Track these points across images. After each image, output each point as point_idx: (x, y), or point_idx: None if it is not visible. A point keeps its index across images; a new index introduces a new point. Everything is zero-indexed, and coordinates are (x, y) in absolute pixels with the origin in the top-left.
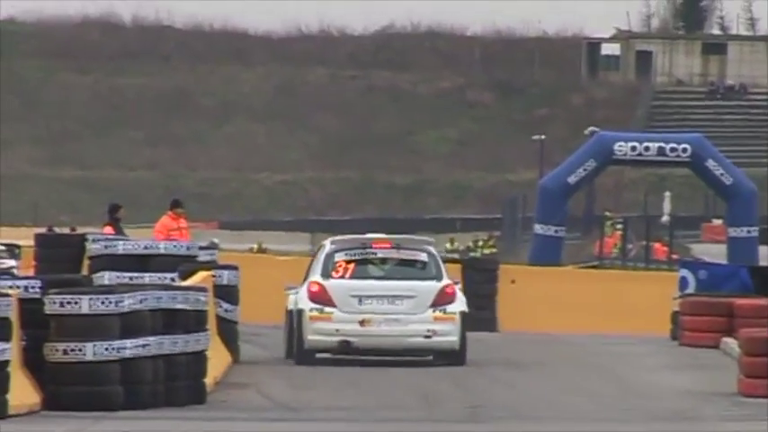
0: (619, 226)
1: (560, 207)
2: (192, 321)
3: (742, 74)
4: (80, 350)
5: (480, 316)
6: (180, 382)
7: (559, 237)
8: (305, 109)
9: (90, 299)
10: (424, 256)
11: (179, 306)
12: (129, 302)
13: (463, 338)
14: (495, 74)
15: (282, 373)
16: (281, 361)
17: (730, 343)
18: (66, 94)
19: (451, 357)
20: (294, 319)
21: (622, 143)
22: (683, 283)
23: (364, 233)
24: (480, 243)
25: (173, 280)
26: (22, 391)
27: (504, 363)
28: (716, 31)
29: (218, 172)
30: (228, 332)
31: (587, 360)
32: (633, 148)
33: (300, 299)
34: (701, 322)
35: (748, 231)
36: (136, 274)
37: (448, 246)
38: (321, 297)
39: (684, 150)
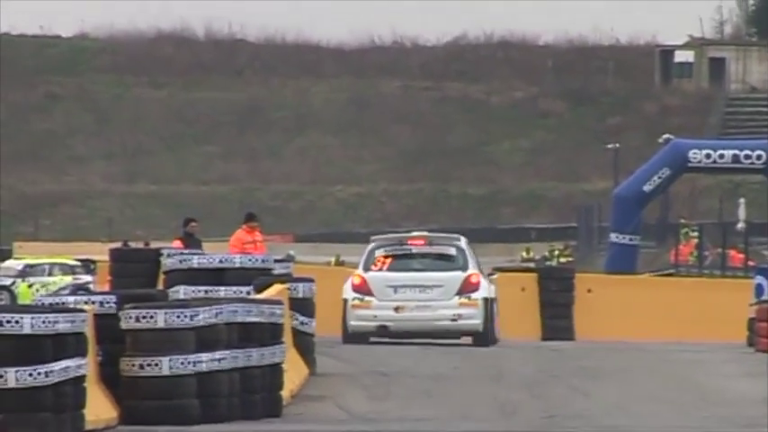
0: (694, 233)
1: (635, 215)
2: (267, 334)
3: None
4: (156, 364)
5: (557, 325)
6: (256, 396)
7: (635, 245)
8: (378, 121)
9: (165, 313)
10: (452, 250)
11: (254, 319)
12: (204, 316)
13: (486, 321)
14: (568, 83)
15: (359, 385)
16: (358, 372)
17: None
18: (140, 110)
19: (477, 338)
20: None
21: (697, 151)
22: (759, 289)
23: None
24: (556, 252)
25: (248, 293)
26: (99, 406)
27: (581, 371)
28: None
29: (293, 185)
30: (304, 345)
31: (664, 368)
32: (708, 156)
33: (346, 290)
34: None
35: None
36: (211, 288)
37: (524, 255)
38: (362, 288)
39: (759, 157)
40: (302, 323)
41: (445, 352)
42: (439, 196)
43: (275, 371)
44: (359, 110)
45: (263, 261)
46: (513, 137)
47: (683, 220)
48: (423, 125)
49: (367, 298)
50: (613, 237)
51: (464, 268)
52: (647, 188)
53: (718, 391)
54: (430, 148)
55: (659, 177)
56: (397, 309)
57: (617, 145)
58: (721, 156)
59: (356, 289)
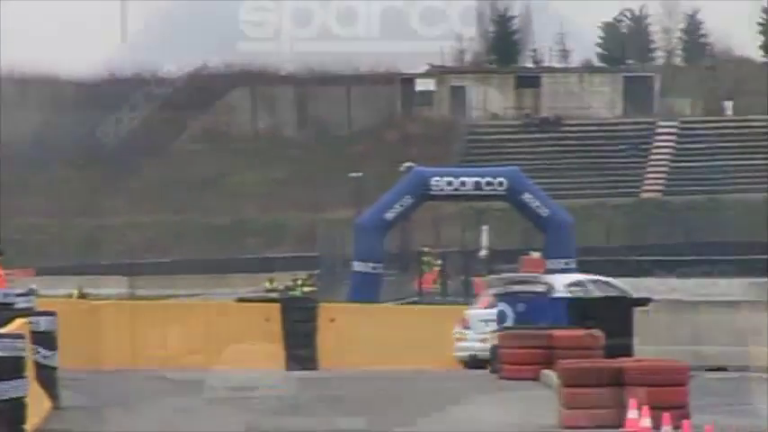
0: (437, 262)
1: (377, 244)
2: (9, 368)
3: (556, 106)
4: None
5: (300, 354)
6: None
7: (377, 273)
8: (120, 153)
9: None
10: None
11: None
12: None
13: None
14: (310, 112)
15: (102, 418)
16: (101, 405)
17: (549, 374)
18: None
19: None
20: None
21: (438, 178)
22: (502, 316)
23: (175, 274)
24: (299, 282)
25: None
26: None
27: (325, 401)
28: (529, 65)
29: (35, 218)
30: (47, 378)
31: (412, 396)
32: (449, 183)
33: (456, 326)
34: (519, 355)
35: (566, 263)
36: None
37: (267, 285)
38: (464, 323)
39: (500, 184)
40: (45, 357)
41: (190, 383)
42: (182, 227)
43: (18, 405)
44: (101, 142)
45: (4, 295)
46: (257, 167)
47: (425, 249)
48: (165, 156)
49: (465, 331)
50: (356, 265)
51: None
52: (388, 216)
53: (465, 419)
54: (172, 179)
55: (401, 205)
56: (483, 340)
57: (360, 174)
58: (463, 183)
59: (461, 325)
